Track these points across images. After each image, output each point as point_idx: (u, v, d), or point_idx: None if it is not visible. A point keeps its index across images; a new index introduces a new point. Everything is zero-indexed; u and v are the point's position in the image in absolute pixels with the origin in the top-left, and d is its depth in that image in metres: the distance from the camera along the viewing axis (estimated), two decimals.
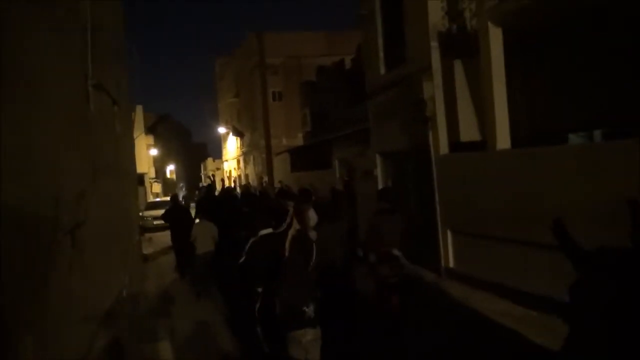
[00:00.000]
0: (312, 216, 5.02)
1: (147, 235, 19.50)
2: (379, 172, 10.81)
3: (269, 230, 4.57)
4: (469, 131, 8.30)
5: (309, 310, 3.74)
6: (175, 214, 10.36)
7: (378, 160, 10.81)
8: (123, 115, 6.52)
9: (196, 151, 72.87)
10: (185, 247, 9.05)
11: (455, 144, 8.30)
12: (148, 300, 8.68)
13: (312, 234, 4.66)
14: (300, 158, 17.51)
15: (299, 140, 22.33)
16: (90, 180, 4.49)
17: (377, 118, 10.68)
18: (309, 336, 3.75)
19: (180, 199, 13.39)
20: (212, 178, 16.18)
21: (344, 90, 14.80)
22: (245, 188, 15.78)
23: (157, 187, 33.57)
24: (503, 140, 6.94)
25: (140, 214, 23.33)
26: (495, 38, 6.98)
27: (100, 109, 4.97)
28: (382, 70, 10.30)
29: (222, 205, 10.03)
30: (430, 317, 6.75)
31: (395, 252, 5.73)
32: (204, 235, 8.35)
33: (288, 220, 5.50)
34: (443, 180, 8.29)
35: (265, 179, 21.61)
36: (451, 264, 8.27)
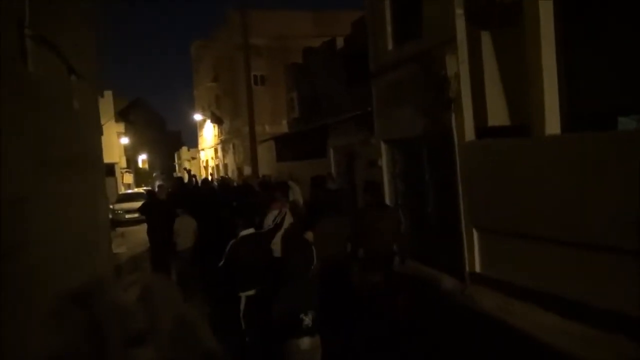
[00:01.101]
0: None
1: (120, 230, 17.89)
2: (384, 162, 9.63)
3: (250, 230, 4.52)
4: (497, 114, 7.17)
5: (307, 319, 3.53)
6: (153, 208, 9.58)
7: (383, 148, 9.61)
8: (86, 92, 5.08)
9: (170, 140, 70.55)
10: (164, 243, 8.54)
11: (482, 129, 7.16)
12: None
13: (309, 235, 4.53)
14: (287, 146, 16.20)
15: (283, 128, 20.95)
16: (36, 179, 3.14)
17: (383, 101, 9.47)
18: (306, 345, 3.55)
19: (156, 188, 12.25)
20: (188, 171, 14.82)
21: (337, 72, 13.51)
22: (223, 180, 14.45)
23: (128, 178, 31.70)
24: (552, 123, 5.82)
25: (111, 206, 22.13)
26: (545, 2, 5.82)
27: (48, 76, 3.57)
28: (390, 46, 9.07)
29: (200, 198, 9.37)
30: (457, 332, 5.68)
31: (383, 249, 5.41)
32: (186, 230, 7.87)
33: (278, 219, 5.52)
34: (469, 170, 7.15)
35: (249, 169, 20.26)
36: (477, 268, 7.17)
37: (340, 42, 14.19)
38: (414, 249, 8.82)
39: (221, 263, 4.42)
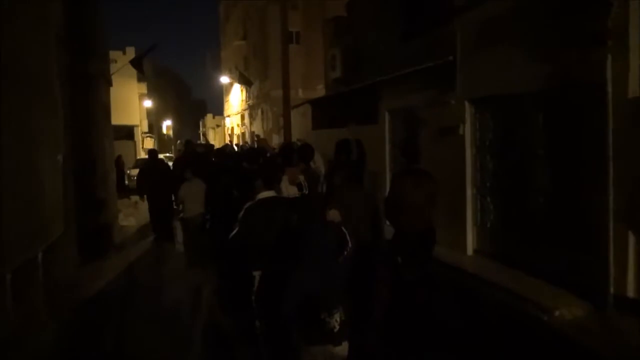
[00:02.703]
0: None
1: (133, 198, 15.88)
2: (467, 129, 7.12)
3: (271, 192, 3.69)
4: None
5: (332, 320, 2.76)
6: (153, 173, 9.36)
7: (468, 110, 7.09)
8: None
9: (195, 108, 68.98)
10: (165, 210, 8.78)
11: None
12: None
13: (333, 214, 3.43)
14: (326, 111, 13.75)
15: (318, 93, 18.40)
16: None
17: (472, 45, 6.90)
18: (329, 356, 2.73)
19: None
20: (205, 135, 13.09)
21: (390, 23, 10.86)
22: (225, 147, 12.51)
23: (149, 143, 29.75)
24: None
25: (127, 172, 20.60)
26: None
27: None
28: None
29: (207, 160, 8.80)
30: None
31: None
32: (195, 195, 7.29)
33: (305, 188, 4.91)
34: (633, 143, 4.61)
35: (278, 138, 18.03)
36: (630, 291, 4.71)
37: None
38: (508, 252, 6.41)
39: (233, 233, 3.62)
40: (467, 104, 7.08)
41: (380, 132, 9.82)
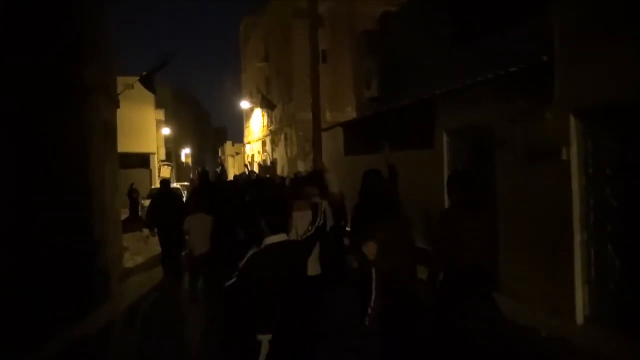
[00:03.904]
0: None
1: (145, 232, 14.40)
2: (574, 152, 5.27)
3: (282, 236, 3.01)
4: None
5: None
6: (164, 202, 8.84)
7: (574, 127, 5.27)
8: None
9: (215, 135, 68.48)
10: (174, 244, 8.31)
11: None
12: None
13: (370, 248, 3.32)
14: (361, 136, 12.03)
15: (348, 115, 16.78)
16: None
17: (580, 36, 5.13)
18: None
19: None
20: (221, 162, 12.26)
21: (444, 28, 9.23)
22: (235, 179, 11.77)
23: (166, 171, 28.41)
24: None
25: (142, 202, 19.90)
26: None
27: None
28: None
29: (218, 193, 8.07)
30: None
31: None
32: (199, 231, 6.76)
33: (320, 221, 4.40)
34: None
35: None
36: None
37: None
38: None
39: (230, 282, 2.93)
40: (572, 118, 5.26)
41: (435, 158, 8.01)
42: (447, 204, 7.65)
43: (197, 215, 6.85)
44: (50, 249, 5.82)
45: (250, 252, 3.09)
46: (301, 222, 4.32)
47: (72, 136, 6.61)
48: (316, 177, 5.38)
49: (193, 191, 9.15)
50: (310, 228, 4.32)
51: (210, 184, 9.13)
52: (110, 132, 8.96)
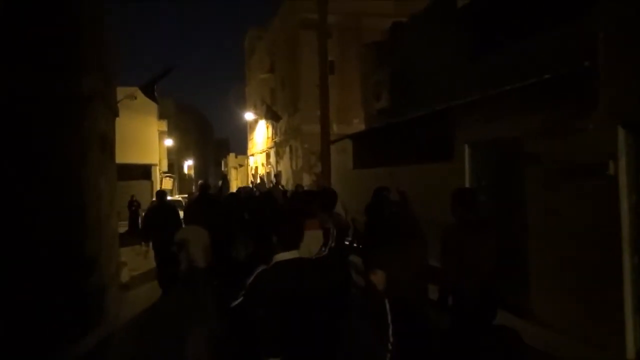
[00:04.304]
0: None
1: (144, 246, 13.90)
2: (622, 166, 4.73)
3: (294, 252, 2.81)
4: None
5: None
6: (160, 215, 8.56)
7: (622, 139, 4.74)
8: None
9: (218, 147, 68.18)
10: (170, 258, 7.50)
11: None
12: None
13: (378, 277, 2.96)
14: (371, 148, 11.52)
15: (355, 127, 16.29)
16: None
17: (628, 40, 4.63)
18: None
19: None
20: (224, 175, 11.75)
21: (451, 41, 8.86)
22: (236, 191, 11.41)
23: (168, 183, 27.87)
24: None
25: (142, 214, 19.38)
26: None
27: None
28: None
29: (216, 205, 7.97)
30: None
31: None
32: (192, 244, 6.08)
33: (331, 242, 4.35)
34: None
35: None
36: None
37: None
38: None
39: (236, 302, 2.79)
40: (620, 129, 4.72)
41: (456, 172, 7.46)
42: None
43: (191, 227, 6.52)
44: (40, 267, 5.34)
45: (259, 269, 2.90)
46: (312, 241, 4.18)
47: (65, 147, 6.13)
48: (326, 196, 5.26)
49: (188, 203, 8.86)
50: (323, 249, 4.25)
51: (208, 197, 8.82)
52: (108, 143, 8.46)
